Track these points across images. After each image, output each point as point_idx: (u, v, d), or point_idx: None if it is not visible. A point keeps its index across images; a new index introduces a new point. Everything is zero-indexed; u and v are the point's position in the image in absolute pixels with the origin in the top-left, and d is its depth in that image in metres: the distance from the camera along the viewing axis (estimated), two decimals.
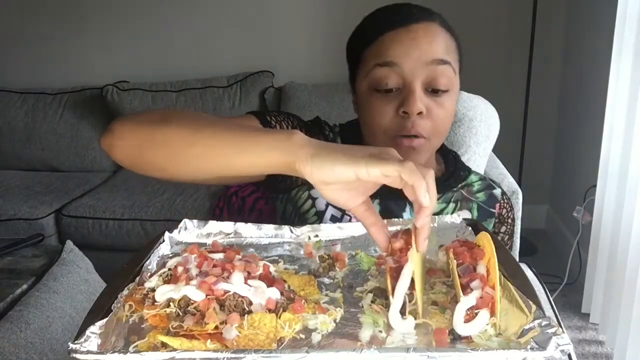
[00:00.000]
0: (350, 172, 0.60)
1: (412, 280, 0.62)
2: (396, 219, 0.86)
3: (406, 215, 0.97)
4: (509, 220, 1.03)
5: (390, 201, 0.95)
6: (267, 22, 2.99)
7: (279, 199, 1.03)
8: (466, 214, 0.98)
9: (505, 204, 1.03)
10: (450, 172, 1.00)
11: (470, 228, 0.83)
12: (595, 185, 2.16)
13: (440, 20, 0.88)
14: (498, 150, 1.99)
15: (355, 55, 0.91)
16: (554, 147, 3.02)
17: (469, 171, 1.04)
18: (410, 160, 0.85)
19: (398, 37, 0.84)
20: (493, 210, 1.01)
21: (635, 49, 1.87)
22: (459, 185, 1.00)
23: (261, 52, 3.00)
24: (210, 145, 0.69)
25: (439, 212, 0.97)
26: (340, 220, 0.96)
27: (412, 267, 0.62)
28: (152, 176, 0.80)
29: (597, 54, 2.36)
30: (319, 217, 0.97)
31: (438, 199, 0.97)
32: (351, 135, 0.98)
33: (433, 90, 0.85)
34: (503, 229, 1.03)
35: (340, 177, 0.61)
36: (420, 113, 0.84)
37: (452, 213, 0.97)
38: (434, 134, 0.87)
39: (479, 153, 1.79)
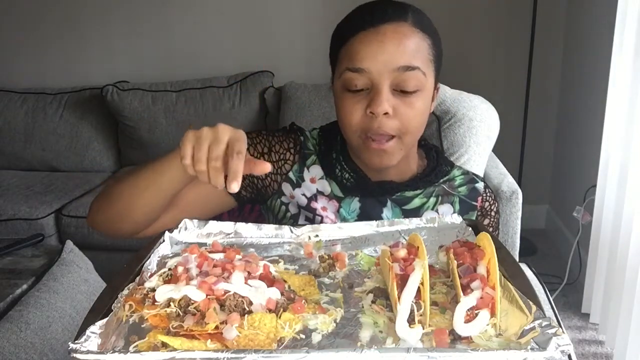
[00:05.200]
0: None
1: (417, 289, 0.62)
2: (397, 219, 0.87)
3: (386, 210, 0.99)
4: (492, 213, 1.05)
5: (369, 199, 0.98)
6: (267, 22, 2.99)
7: (263, 208, 1.07)
8: (448, 208, 1.00)
9: (487, 197, 1.04)
10: (432, 167, 1.02)
11: (470, 228, 0.83)
12: (595, 185, 2.16)
13: (414, 18, 0.88)
14: (498, 150, 1.99)
15: (333, 54, 0.94)
16: (554, 147, 3.02)
17: (451, 166, 1.05)
18: (383, 161, 0.91)
19: (367, 40, 0.86)
20: (475, 204, 1.02)
21: (635, 48, 1.87)
22: (441, 180, 1.02)
23: (261, 52, 3.00)
24: (140, 184, 0.87)
25: (420, 207, 0.99)
26: (313, 221, 0.99)
27: (420, 277, 0.62)
28: (130, 230, 0.93)
29: (597, 53, 2.36)
30: (295, 220, 1.01)
31: (419, 194, 0.99)
32: (331, 134, 1.02)
33: (402, 91, 0.87)
34: (486, 221, 1.04)
35: None
36: (386, 113, 0.86)
37: (434, 207, 0.99)
38: (404, 132, 0.89)
39: (479, 153, 1.79)
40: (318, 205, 0.99)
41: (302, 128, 1.06)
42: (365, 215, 0.98)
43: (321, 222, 0.98)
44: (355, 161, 0.99)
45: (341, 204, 0.99)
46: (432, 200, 1.00)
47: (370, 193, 0.98)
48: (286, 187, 1.00)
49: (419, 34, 0.87)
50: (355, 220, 0.97)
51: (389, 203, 0.99)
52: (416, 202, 0.99)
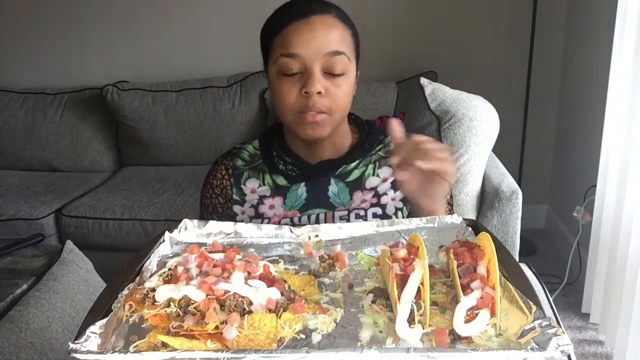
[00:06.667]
0: None
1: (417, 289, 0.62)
2: (397, 219, 0.87)
3: (331, 187, 1.07)
4: None
5: (314, 181, 1.07)
6: None
7: None
8: (387, 169, 1.09)
9: None
10: (363, 139, 1.11)
11: (470, 228, 0.83)
12: (595, 185, 2.16)
13: (336, 12, 1.00)
14: (498, 150, 1.99)
15: (266, 45, 1.03)
16: (554, 147, 3.02)
17: (384, 134, 1.14)
18: (315, 132, 1.00)
19: (299, 29, 0.96)
20: None
21: (635, 48, 1.87)
22: (377, 148, 1.12)
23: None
24: None
25: (361, 176, 1.08)
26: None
27: (420, 277, 0.62)
28: None
29: (597, 53, 2.36)
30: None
31: (359, 165, 1.09)
32: (269, 138, 1.13)
33: (331, 74, 0.98)
34: None
35: None
36: (319, 93, 0.97)
37: (374, 173, 1.09)
38: (333, 110, 0.99)
39: (479, 153, 1.79)
40: (265, 206, 1.08)
41: (235, 147, 1.15)
42: (313, 196, 1.07)
43: (269, 222, 1.06)
44: (293, 151, 1.09)
45: (286, 195, 1.07)
46: (371, 167, 1.09)
47: (314, 175, 1.07)
48: (237, 208, 1.10)
49: (342, 25, 0.99)
50: (304, 204, 1.06)
51: (332, 180, 1.08)
52: (356, 173, 1.09)
